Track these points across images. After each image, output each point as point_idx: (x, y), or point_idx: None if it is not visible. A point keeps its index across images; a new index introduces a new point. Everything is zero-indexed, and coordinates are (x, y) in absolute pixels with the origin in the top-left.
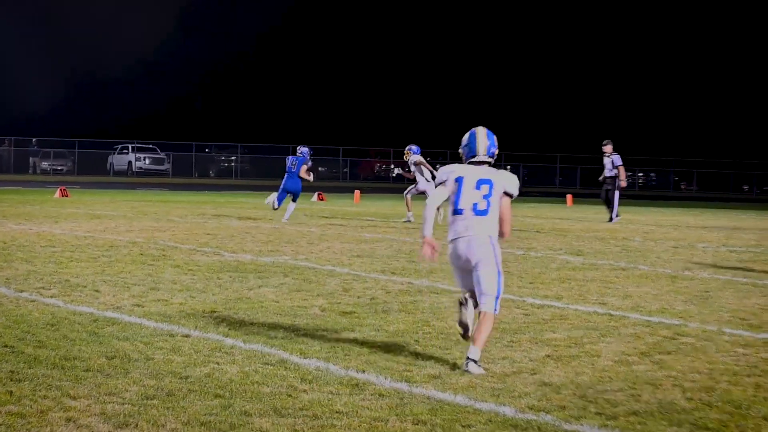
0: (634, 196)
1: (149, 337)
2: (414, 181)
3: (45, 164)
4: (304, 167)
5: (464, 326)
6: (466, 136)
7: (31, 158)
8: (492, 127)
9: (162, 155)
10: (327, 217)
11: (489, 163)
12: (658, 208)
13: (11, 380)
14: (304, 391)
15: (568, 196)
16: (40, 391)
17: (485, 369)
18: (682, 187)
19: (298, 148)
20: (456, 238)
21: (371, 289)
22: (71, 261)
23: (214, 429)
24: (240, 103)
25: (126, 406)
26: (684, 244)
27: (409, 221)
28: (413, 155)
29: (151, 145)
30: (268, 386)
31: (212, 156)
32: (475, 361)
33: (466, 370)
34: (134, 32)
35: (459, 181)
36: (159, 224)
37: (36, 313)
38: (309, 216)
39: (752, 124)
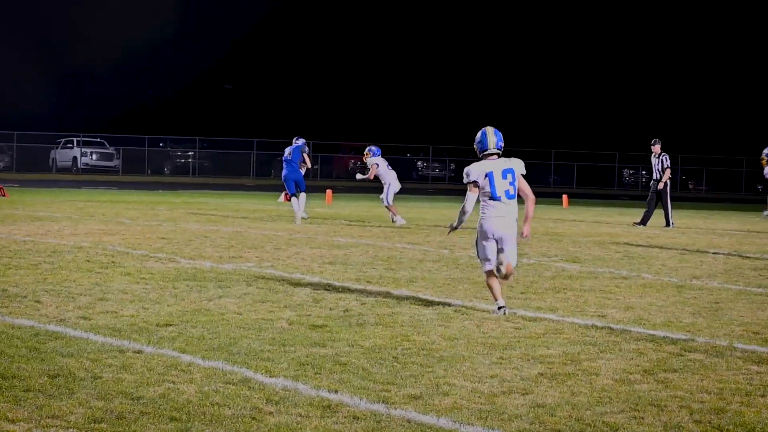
0: (637, 196)
1: (97, 354)
2: (379, 183)
3: None
4: (305, 155)
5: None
6: (478, 134)
7: None
8: (477, 121)
9: (111, 150)
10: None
11: (498, 155)
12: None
13: None
14: (270, 413)
15: (564, 197)
16: None
17: (472, 389)
18: (690, 186)
19: (294, 138)
20: (492, 218)
21: (345, 299)
22: (9, 268)
23: None
24: (198, 93)
25: (71, 430)
26: (692, 249)
27: (397, 222)
28: (372, 157)
29: (98, 139)
30: (229, 408)
31: (167, 151)
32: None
33: (503, 309)
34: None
35: (489, 175)
36: (107, 227)
37: None
38: (275, 218)
39: (766, 119)
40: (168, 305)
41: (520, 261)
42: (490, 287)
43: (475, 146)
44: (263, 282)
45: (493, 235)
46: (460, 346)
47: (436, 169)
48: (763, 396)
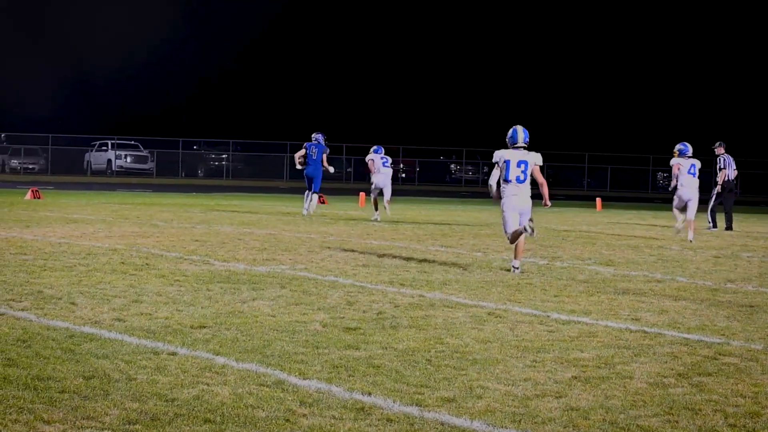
0: (672, 199)
1: (131, 355)
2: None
3: (15, 162)
4: (324, 156)
5: (516, 237)
6: (510, 131)
7: None
8: (511, 125)
9: (145, 153)
10: (329, 222)
11: (525, 148)
12: (697, 213)
13: None
14: (304, 415)
15: (598, 200)
16: (10, 414)
17: (505, 392)
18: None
19: (313, 135)
20: (510, 196)
21: (378, 302)
22: (44, 270)
23: None
24: (232, 96)
25: (106, 431)
26: (726, 253)
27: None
28: (373, 153)
29: (133, 142)
30: (263, 410)
31: (201, 154)
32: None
33: (516, 270)
34: (119, 24)
35: (507, 162)
36: (142, 229)
37: (5, 327)
38: (309, 221)
39: None
40: (202, 307)
41: (554, 264)
42: (515, 248)
43: (507, 140)
44: (297, 284)
45: (514, 209)
46: (493, 349)
47: (469, 172)
48: None
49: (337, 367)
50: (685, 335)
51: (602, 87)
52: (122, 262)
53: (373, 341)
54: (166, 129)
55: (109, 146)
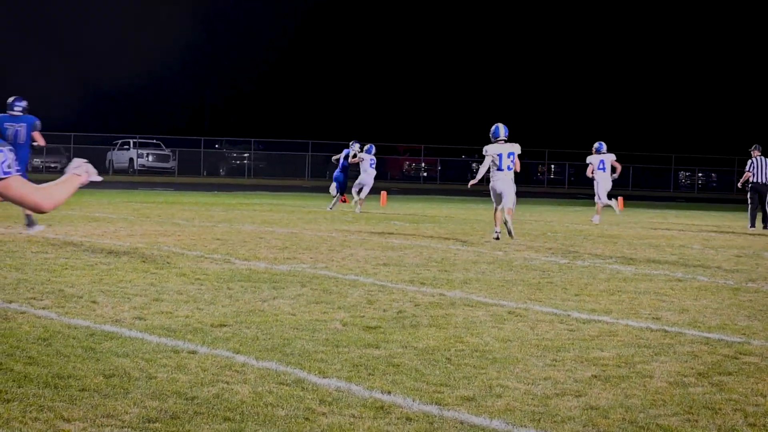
0: (694, 198)
1: (151, 354)
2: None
3: (37, 161)
4: (353, 159)
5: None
6: (493, 127)
7: None
8: (530, 125)
9: (167, 151)
10: (350, 221)
11: (505, 140)
12: (720, 212)
13: None
14: (323, 414)
15: (619, 199)
16: (30, 412)
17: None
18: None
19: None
20: (497, 180)
21: (398, 301)
22: (66, 269)
23: None
24: (253, 95)
25: (126, 429)
26: (748, 252)
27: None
28: (365, 152)
29: (154, 141)
30: (283, 408)
31: (222, 153)
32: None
33: (497, 235)
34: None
35: (500, 155)
36: (163, 228)
37: (26, 326)
38: (329, 220)
39: None
40: (222, 306)
41: (574, 263)
42: (495, 218)
43: (490, 135)
44: (317, 283)
45: (495, 191)
46: (513, 348)
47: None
48: None
49: (356, 365)
50: (706, 334)
51: (625, 86)
52: (143, 261)
53: (393, 340)
54: (188, 128)
55: (131, 145)
